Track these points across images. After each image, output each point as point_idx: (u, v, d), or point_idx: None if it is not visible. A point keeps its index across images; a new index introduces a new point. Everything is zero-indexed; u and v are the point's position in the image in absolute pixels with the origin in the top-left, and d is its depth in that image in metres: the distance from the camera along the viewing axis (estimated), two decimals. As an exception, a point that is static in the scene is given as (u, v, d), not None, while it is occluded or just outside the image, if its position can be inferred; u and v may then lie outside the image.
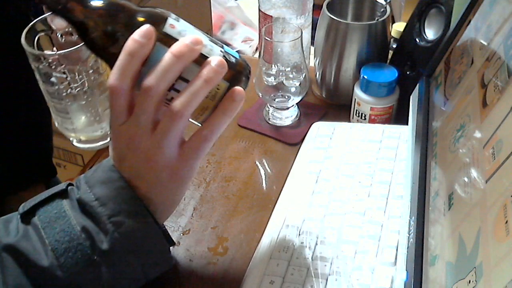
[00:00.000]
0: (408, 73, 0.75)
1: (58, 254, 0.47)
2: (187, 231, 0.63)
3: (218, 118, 0.49)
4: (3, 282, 0.47)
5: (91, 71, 0.62)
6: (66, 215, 0.48)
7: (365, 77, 0.72)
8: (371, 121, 0.74)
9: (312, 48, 0.82)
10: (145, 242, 0.49)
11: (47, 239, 0.47)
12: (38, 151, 0.90)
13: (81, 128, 0.66)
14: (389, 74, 0.73)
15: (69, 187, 0.51)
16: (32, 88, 0.64)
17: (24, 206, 0.50)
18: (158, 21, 0.47)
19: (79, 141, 0.68)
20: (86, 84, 0.62)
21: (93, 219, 0.48)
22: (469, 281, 0.39)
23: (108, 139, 0.67)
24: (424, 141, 0.60)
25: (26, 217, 0.49)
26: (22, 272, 0.47)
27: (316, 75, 0.82)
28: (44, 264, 0.47)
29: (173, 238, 0.59)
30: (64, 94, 0.62)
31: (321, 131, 0.73)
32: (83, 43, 0.49)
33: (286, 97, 0.76)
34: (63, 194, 0.50)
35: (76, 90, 0.62)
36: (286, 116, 0.78)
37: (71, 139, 0.68)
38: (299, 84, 0.75)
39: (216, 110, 0.49)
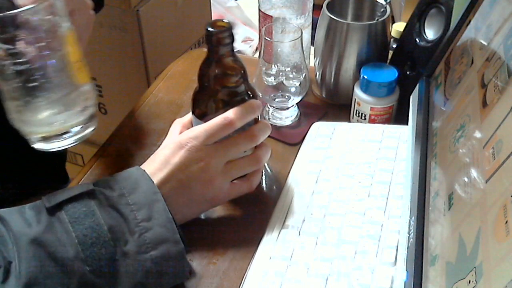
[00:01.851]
0: (408, 73, 0.75)
1: (84, 247, 0.49)
2: (187, 231, 0.63)
3: (261, 169, 0.64)
4: (19, 271, 0.47)
5: (42, 44, 0.56)
6: (94, 214, 0.51)
7: (365, 77, 0.72)
8: (371, 121, 0.74)
9: (312, 48, 0.82)
10: (167, 254, 0.52)
11: (74, 232, 0.50)
12: (51, 157, 0.89)
13: (36, 120, 0.60)
14: (389, 74, 0.73)
15: (96, 188, 0.54)
16: None
17: (50, 200, 0.52)
18: None
19: (38, 139, 0.61)
20: (36, 61, 0.56)
21: (123, 219, 0.52)
22: (469, 281, 0.39)
23: (73, 138, 0.60)
24: (424, 141, 0.60)
25: (52, 210, 0.51)
26: (41, 263, 0.48)
27: (316, 75, 0.82)
28: (68, 255, 0.49)
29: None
30: (11, 72, 0.56)
31: (321, 131, 0.73)
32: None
33: (286, 97, 0.76)
34: (91, 195, 0.53)
35: (23, 66, 0.56)
36: (286, 116, 0.78)
37: (31, 138, 0.61)
38: (299, 84, 0.75)
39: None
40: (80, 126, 0.60)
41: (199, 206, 0.61)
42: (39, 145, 0.60)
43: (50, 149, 0.60)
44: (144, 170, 0.57)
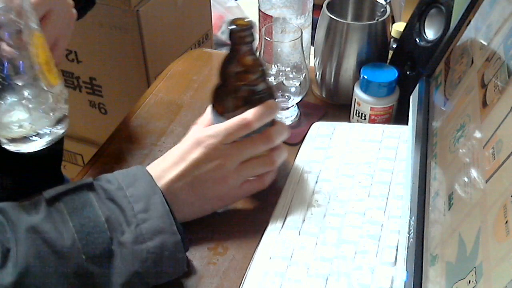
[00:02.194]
0: (408, 73, 0.75)
1: (81, 236, 0.50)
2: (187, 231, 0.63)
3: (275, 170, 0.65)
4: (16, 259, 0.48)
5: (9, 45, 0.53)
6: (92, 205, 0.52)
7: (365, 77, 0.72)
8: (371, 121, 0.74)
9: (312, 48, 0.82)
10: (163, 244, 0.52)
11: (71, 222, 0.50)
12: (47, 157, 0.89)
13: (3, 122, 0.57)
14: (389, 74, 0.73)
15: (95, 182, 0.54)
16: None
17: (49, 192, 0.52)
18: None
19: (7, 141, 0.59)
20: (2, 62, 0.54)
21: (120, 211, 0.52)
22: (469, 281, 0.39)
23: (43, 141, 0.58)
24: (424, 141, 0.60)
25: (50, 201, 0.52)
26: (38, 251, 0.49)
27: (316, 75, 0.82)
28: (65, 244, 0.49)
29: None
30: None
31: (321, 131, 0.73)
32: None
33: (286, 97, 0.76)
34: (90, 187, 0.54)
35: None
36: (286, 116, 0.78)
37: (0, 139, 0.59)
38: (299, 84, 0.75)
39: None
40: (50, 129, 0.59)
41: (210, 203, 0.62)
42: (8, 146, 0.59)
43: (19, 150, 0.59)
44: (144, 168, 0.58)
